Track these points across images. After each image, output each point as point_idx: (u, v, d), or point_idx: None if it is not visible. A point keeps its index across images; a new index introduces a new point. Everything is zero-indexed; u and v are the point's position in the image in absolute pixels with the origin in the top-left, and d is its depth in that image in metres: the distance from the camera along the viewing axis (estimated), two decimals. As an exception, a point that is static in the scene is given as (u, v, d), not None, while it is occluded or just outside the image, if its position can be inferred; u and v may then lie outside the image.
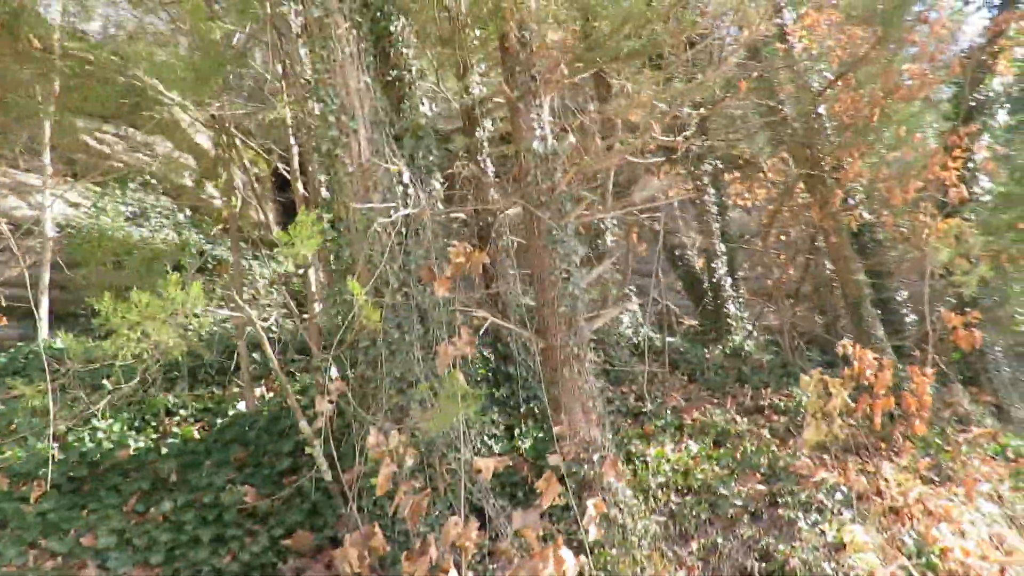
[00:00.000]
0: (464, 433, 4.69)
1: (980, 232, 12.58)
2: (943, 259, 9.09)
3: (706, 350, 11.21)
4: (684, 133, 9.74)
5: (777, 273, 12.20)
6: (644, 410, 6.96)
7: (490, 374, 6.05)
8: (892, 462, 8.08)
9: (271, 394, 6.28)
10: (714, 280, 12.77)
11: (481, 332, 5.03)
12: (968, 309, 12.17)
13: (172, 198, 13.11)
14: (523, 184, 5.64)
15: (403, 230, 5.09)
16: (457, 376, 4.31)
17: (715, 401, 8.54)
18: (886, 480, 6.77)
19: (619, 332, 9.09)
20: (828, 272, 12.85)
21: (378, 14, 5.69)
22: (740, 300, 12.80)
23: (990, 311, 12.56)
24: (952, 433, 9.43)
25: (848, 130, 9.70)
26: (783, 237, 14.31)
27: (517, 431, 5.57)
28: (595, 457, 4.90)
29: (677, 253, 13.80)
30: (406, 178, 4.93)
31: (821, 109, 10.91)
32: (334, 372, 5.28)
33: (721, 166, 14.55)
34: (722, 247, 12.96)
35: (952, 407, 10.19)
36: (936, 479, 8.10)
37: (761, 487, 6.08)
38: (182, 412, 5.97)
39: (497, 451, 5.27)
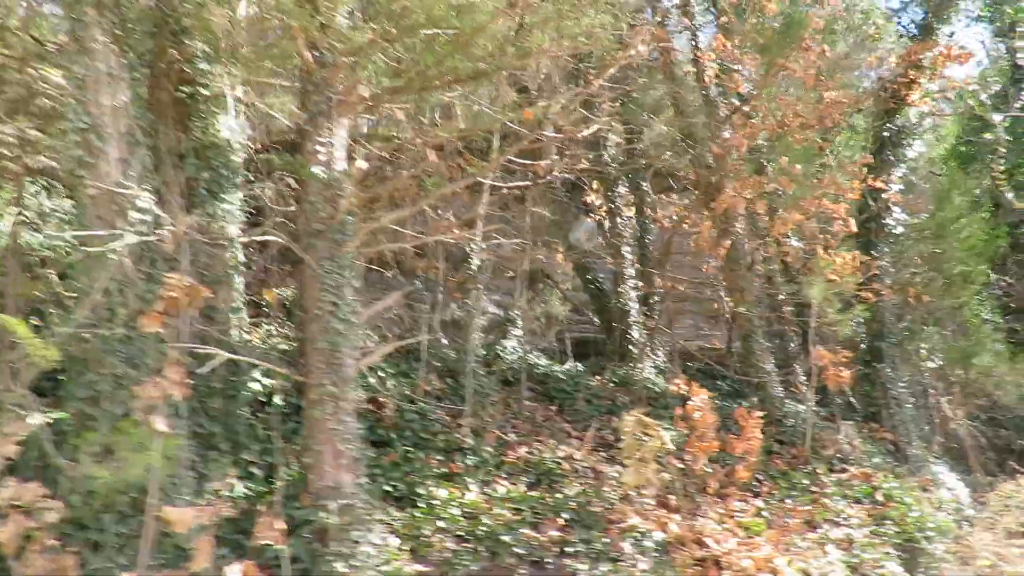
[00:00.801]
0: (175, 479, 4.43)
1: (891, 265, 12.45)
2: (815, 295, 8.85)
3: (599, 378, 10.95)
4: (550, 158, 9.56)
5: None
6: (464, 446, 6.68)
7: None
8: (748, 504, 7.83)
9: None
10: (620, 304, 12.55)
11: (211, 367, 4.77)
12: (877, 344, 12.06)
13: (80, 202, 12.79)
14: (303, 210, 5.40)
15: (153, 258, 4.83)
16: (148, 419, 4.06)
17: (571, 434, 8.27)
18: (694, 525, 6.49)
19: (486, 357, 8.80)
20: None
21: (161, 28, 5.45)
22: (644, 325, 12.57)
23: (898, 346, 12.33)
24: (823, 474, 9.18)
25: (730, 159, 9.49)
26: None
27: (284, 471, 5.28)
28: (333, 505, 4.63)
29: (589, 277, 13.54)
30: (143, 203, 4.66)
31: (726, 134, 10.73)
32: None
33: (646, 187, 14.34)
34: (631, 271, 12.73)
35: (835, 445, 9.95)
36: (790, 523, 7.84)
37: (556, 534, 5.81)
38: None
39: (248, 492, 5.00)
